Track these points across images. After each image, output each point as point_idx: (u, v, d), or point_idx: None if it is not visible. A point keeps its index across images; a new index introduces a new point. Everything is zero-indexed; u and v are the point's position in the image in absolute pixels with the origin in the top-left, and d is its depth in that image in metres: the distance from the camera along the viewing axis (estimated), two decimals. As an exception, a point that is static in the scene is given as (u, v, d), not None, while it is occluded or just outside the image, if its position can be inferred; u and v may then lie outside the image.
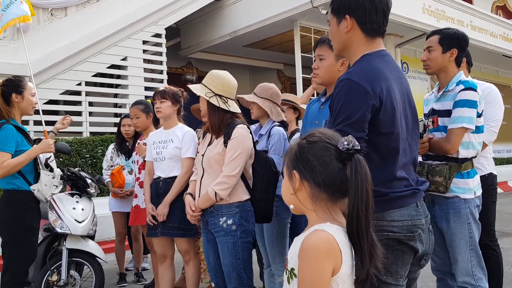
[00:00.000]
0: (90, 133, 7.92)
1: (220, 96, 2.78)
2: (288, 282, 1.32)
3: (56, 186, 3.89)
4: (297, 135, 3.59)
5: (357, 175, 1.27)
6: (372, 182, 1.30)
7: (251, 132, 2.85)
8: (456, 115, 2.57)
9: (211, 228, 2.80)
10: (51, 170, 3.85)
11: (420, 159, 2.72)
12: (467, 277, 2.57)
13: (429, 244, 1.79)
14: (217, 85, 2.79)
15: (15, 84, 3.13)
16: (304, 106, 4.12)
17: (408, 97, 1.80)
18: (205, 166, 2.84)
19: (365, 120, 1.60)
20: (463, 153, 2.61)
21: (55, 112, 7.84)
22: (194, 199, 2.88)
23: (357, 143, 1.30)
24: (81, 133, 7.83)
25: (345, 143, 1.29)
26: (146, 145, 3.76)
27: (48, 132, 3.60)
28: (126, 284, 4.66)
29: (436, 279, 2.85)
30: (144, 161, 3.73)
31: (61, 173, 3.81)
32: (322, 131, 1.38)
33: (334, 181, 1.30)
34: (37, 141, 3.43)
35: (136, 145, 4.28)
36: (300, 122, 4.03)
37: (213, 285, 3.24)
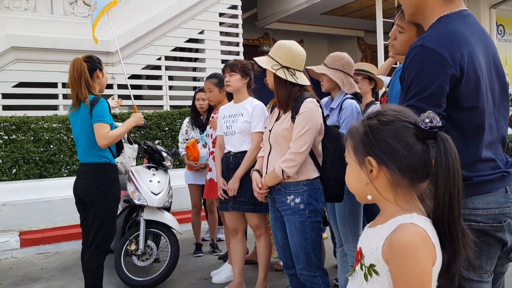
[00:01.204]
0: (170, 106, 8.17)
1: (287, 68, 2.64)
2: (366, 279, 1.16)
3: (134, 159, 4.06)
4: (373, 107, 3.35)
5: (447, 155, 1.11)
6: None
7: (320, 106, 2.68)
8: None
9: (278, 206, 2.72)
10: (131, 143, 4.02)
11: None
12: None
13: None
14: (284, 57, 2.64)
15: (97, 62, 3.25)
16: (383, 77, 3.84)
17: (496, 65, 1.54)
18: (272, 142, 2.73)
19: (442, 93, 1.40)
20: None
21: (138, 87, 8.16)
22: (261, 175, 2.81)
23: (438, 118, 1.13)
24: (161, 106, 8.09)
25: (427, 120, 1.12)
26: (218, 119, 3.75)
27: None
28: (202, 254, 4.79)
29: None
30: (217, 135, 3.72)
31: (138, 146, 3.94)
32: (393, 108, 1.20)
33: (419, 165, 1.13)
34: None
35: (210, 119, 4.29)
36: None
37: (281, 263, 3.18)
